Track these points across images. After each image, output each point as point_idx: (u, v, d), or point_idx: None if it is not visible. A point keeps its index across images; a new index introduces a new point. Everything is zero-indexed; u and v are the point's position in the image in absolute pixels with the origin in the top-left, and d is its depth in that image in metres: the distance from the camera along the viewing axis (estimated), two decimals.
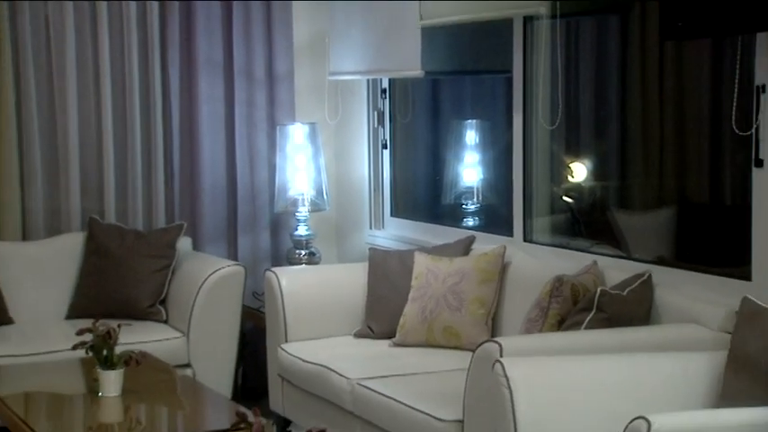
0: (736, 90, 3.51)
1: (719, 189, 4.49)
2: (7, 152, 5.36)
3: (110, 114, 5.35)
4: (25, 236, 5.29)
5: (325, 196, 5.69)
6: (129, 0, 5.22)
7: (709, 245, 4.23)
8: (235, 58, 5.56)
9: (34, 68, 5.19)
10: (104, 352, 3.73)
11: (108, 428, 3.88)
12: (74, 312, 5.02)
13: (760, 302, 3.09)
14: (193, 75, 5.51)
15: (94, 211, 5.37)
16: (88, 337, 3.79)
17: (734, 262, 3.82)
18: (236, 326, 5.04)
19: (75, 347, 3.83)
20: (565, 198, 4.99)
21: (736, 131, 3.50)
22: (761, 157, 3.43)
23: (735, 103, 3.51)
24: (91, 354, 3.80)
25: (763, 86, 3.44)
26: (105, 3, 5.25)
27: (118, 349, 3.82)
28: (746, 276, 3.54)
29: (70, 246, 5.28)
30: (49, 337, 4.78)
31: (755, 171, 3.48)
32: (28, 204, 5.39)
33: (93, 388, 3.84)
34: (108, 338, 3.77)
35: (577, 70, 4.95)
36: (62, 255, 5.22)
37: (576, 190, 5.07)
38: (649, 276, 3.74)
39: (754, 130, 3.45)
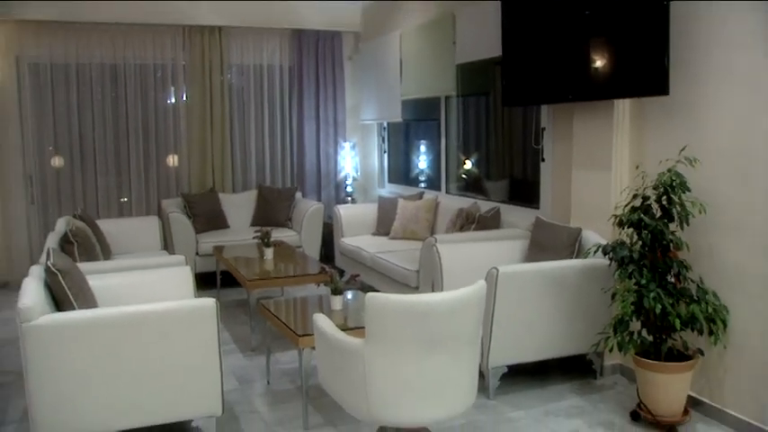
0: (534, 127, 5.70)
1: (526, 171, 6.41)
2: (226, 150, 8.39)
3: (268, 137, 8.57)
4: (234, 190, 8.39)
5: (357, 173, 8.67)
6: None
7: (523, 195, 6.21)
8: (320, 113, 8.66)
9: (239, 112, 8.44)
10: (265, 240, 6.15)
11: (268, 270, 5.88)
12: (254, 222, 8.03)
13: (543, 218, 5.23)
14: (302, 120, 8.63)
15: (261, 179, 8.52)
16: (259, 234, 6.22)
17: (531, 201, 5.88)
18: (320, 228, 7.80)
19: (254, 237, 6.36)
20: (462, 174, 7.34)
21: (534, 145, 5.68)
22: (543, 157, 5.56)
23: (533, 133, 5.69)
24: (260, 240, 6.22)
25: (543, 128, 5.55)
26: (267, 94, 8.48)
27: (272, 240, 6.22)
28: (537, 207, 5.71)
29: (252, 194, 8.31)
30: (242, 233, 7.56)
31: (542, 164, 5.60)
32: (235, 176, 8.48)
33: (261, 254, 6.25)
34: (267, 235, 6.16)
35: (467, 119, 7.26)
36: (249, 198, 8.23)
37: (466, 171, 7.32)
38: (499, 209, 5.84)
39: (541, 146, 5.57)
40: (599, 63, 4.58)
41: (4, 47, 7.62)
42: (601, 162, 4.78)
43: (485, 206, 6.09)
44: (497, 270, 4.25)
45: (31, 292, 3.59)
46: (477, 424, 4.10)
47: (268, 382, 4.82)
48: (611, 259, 4.20)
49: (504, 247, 5.15)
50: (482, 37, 6.12)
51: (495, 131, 6.95)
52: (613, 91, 4.53)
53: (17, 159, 7.79)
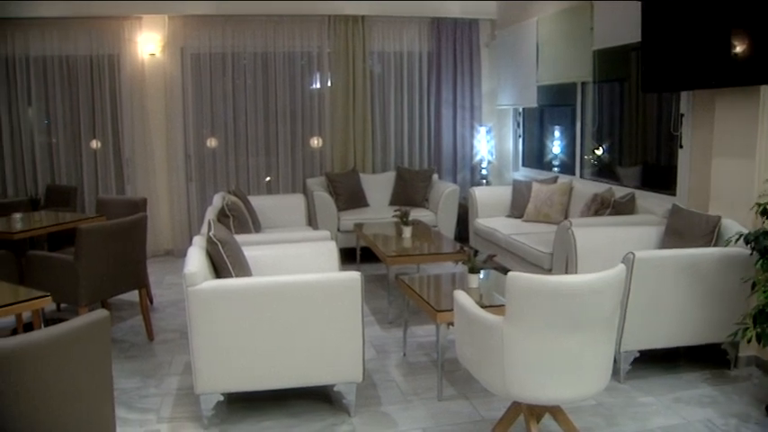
0: (672, 113, 5.51)
1: (660, 157, 6.26)
2: (367, 132, 8.53)
3: (407, 120, 8.66)
4: (374, 170, 8.53)
5: (492, 157, 8.65)
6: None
7: (657, 181, 6.02)
8: (457, 99, 8.63)
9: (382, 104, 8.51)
10: (404, 219, 6.24)
11: (407, 247, 5.90)
12: (392, 202, 8.23)
13: (680, 205, 4.99)
14: (439, 104, 8.64)
15: (400, 161, 8.64)
16: (398, 213, 6.41)
17: (667, 188, 5.69)
18: (456, 209, 7.76)
19: (393, 216, 6.75)
20: (592, 160, 7.16)
21: (672, 132, 5.50)
22: (682, 144, 5.36)
23: (671, 119, 5.53)
24: (399, 219, 6.38)
25: (683, 114, 5.31)
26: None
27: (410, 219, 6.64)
28: (674, 194, 5.49)
29: (391, 175, 8.51)
30: (381, 211, 7.85)
31: (680, 150, 5.40)
32: (375, 157, 8.62)
33: (398, 232, 6.44)
34: (406, 214, 6.28)
35: (602, 105, 7.05)
36: (388, 178, 8.43)
37: (597, 157, 7.20)
38: (633, 194, 5.71)
39: (679, 132, 5.37)
40: (744, 47, 4.32)
41: (172, 40, 8.10)
42: (744, 150, 4.53)
43: (619, 192, 5.94)
44: (634, 255, 4.14)
45: (195, 259, 3.79)
46: (608, 406, 4.03)
47: (404, 354, 4.90)
48: (752, 249, 4.00)
49: (639, 233, 5.00)
50: (621, 23, 5.99)
51: (630, 117, 6.74)
52: (759, 77, 4.26)
53: (179, 140, 8.26)
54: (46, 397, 2.46)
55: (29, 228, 5.43)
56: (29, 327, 3.77)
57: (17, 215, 5.80)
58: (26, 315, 4.26)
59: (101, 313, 2.62)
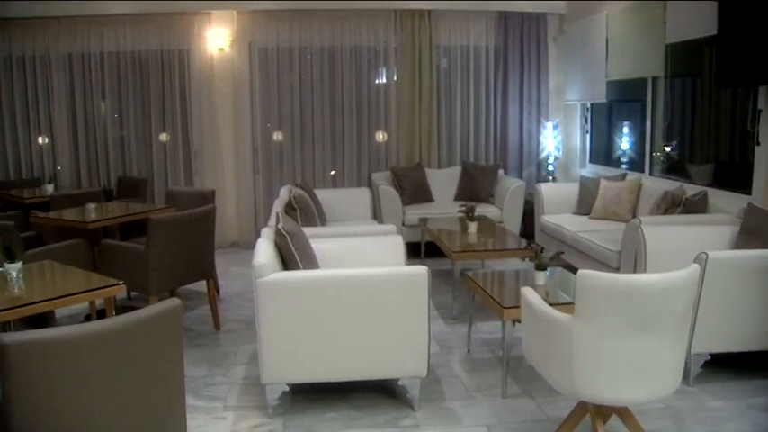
0: (749, 109, 5.35)
1: (734, 155, 6.17)
2: (432, 127, 8.50)
3: (472, 115, 8.60)
4: (439, 165, 8.54)
5: (559, 153, 8.51)
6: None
7: (731, 179, 5.89)
8: (524, 94, 8.55)
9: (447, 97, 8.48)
10: (470, 214, 6.18)
11: (472, 242, 5.88)
12: (457, 197, 8.20)
13: (756, 204, 4.77)
14: (505, 99, 8.58)
15: (465, 156, 8.60)
16: (464, 208, 6.30)
17: (741, 186, 5.53)
18: (521, 205, 7.74)
19: (459, 211, 6.45)
20: (661, 157, 7.00)
21: (749, 129, 5.32)
22: (759, 141, 5.19)
23: (747, 116, 5.39)
24: (464, 214, 6.30)
25: (760, 110, 5.13)
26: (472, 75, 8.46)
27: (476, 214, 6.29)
28: (749, 193, 5.34)
29: (456, 170, 8.43)
30: (446, 206, 7.75)
31: (756, 148, 5.25)
32: (441, 152, 8.62)
33: (463, 227, 6.34)
34: (472, 209, 6.23)
35: (673, 100, 6.88)
36: (454, 174, 8.38)
37: (665, 154, 7.02)
38: (706, 193, 5.54)
39: (756, 129, 5.19)
40: None
41: (240, 35, 8.23)
42: None
43: (690, 190, 5.80)
44: (707, 255, 4.02)
45: (264, 251, 3.84)
46: (676, 409, 3.93)
47: (468, 350, 4.89)
48: None
49: (712, 233, 4.86)
50: (696, 16, 5.82)
51: (703, 113, 6.59)
52: None
53: (246, 133, 8.40)
54: (122, 381, 2.53)
55: (102, 218, 5.59)
56: (101, 314, 3.87)
57: (91, 205, 5.99)
58: (98, 302, 4.38)
59: (174, 302, 2.69)
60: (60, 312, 5.57)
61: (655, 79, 6.92)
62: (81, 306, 5.44)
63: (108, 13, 8.01)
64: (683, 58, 6.50)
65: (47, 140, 8.38)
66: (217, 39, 8.23)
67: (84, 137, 8.38)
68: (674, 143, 6.96)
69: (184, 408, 2.86)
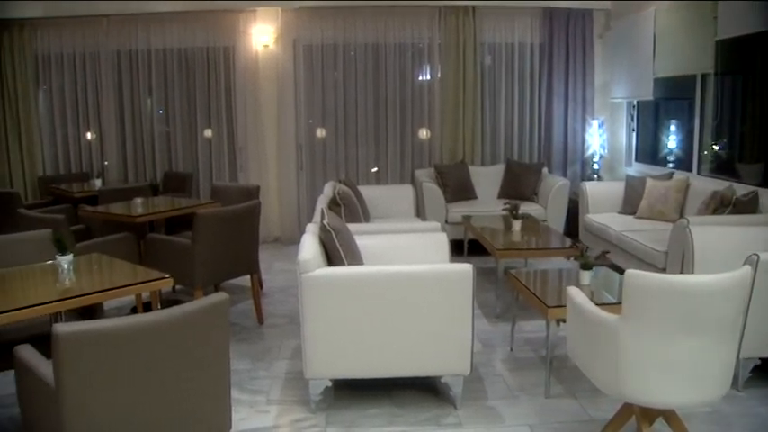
0: None
1: None
2: (476, 124, 8.41)
3: (517, 113, 8.55)
4: (483, 163, 8.47)
5: (604, 151, 8.42)
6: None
7: None
8: (569, 91, 8.46)
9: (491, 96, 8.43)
10: (514, 212, 6.13)
11: (516, 241, 5.84)
12: (501, 195, 8.11)
13: None
14: (550, 97, 8.51)
15: (509, 153, 8.52)
16: (508, 206, 6.23)
17: None
18: (566, 204, 7.67)
19: (503, 209, 6.37)
20: (709, 156, 6.86)
21: None
22: None
23: None
24: (508, 212, 6.23)
25: None
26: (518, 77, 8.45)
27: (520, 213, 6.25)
28: None
29: (500, 168, 8.34)
30: (490, 204, 7.75)
31: None
32: (484, 149, 8.54)
33: (507, 225, 6.31)
34: (516, 207, 6.20)
35: (723, 97, 6.77)
36: (497, 171, 8.32)
37: (713, 153, 6.85)
38: (757, 192, 5.39)
39: None
40: None
41: (285, 32, 8.30)
42: None
43: (740, 189, 5.68)
44: (758, 256, 3.90)
45: (309, 246, 3.87)
46: (724, 414, 3.86)
47: (511, 349, 4.88)
48: None
49: (763, 234, 4.73)
50: (749, 11, 5.71)
51: (754, 111, 6.40)
52: None
53: (290, 130, 8.46)
54: (169, 372, 2.57)
55: (149, 212, 5.68)
56: (146, 306, 3.93)
57: (138, 200, 6.11)
58: (144, 295, 4.45)
59: (221, 296, 2.73)
60: (108, 304, 5.64)
61: (704, 76, 6.79)
62: (127, 298, 5.50)
63: (155, 11, 8.16)
64: (734, 54, 6.37)
65: (95, 136, 8.58)
66: (262, 36, 8.30)
67: (132, 132, 8.54)
68: (723, 142, 6.83)
69: (229, 401, 2.90)
